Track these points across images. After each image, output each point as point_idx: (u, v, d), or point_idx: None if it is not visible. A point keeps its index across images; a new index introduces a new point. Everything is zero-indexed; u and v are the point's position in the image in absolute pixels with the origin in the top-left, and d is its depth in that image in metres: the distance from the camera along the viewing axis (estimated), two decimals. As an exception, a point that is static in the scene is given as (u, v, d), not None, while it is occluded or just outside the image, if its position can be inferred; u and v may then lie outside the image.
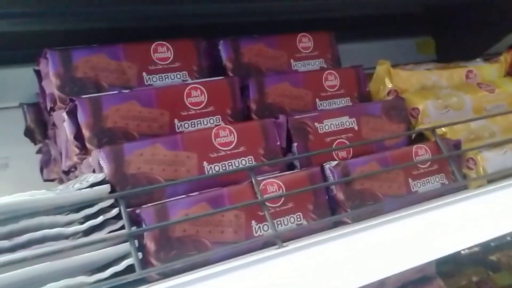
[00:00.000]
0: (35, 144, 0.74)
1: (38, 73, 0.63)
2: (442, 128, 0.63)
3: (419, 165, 0.58)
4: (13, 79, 0.74)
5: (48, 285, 0.39)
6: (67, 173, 0.63)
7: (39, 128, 0.72)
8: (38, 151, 0.73)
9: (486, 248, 0.90)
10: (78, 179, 0.54)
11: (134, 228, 0.44)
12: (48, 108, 0.60)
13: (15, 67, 0.74)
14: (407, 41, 1.06)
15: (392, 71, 0.69)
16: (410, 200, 0.56)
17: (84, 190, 0.45)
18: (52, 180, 0.72)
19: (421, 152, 0.59)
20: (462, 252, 0.89)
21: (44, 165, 0.73)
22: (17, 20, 0.67)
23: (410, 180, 0.57)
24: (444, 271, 0.79)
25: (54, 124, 0.61)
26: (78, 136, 0.53)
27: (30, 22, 0.68)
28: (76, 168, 0.59)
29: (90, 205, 0.45)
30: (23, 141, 0.73)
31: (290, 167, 0.57)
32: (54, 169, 0.71)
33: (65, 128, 0.55)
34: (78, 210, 0.44)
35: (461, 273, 0.83)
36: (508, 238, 0.93)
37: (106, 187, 0.46)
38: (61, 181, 0.70)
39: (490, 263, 0.87)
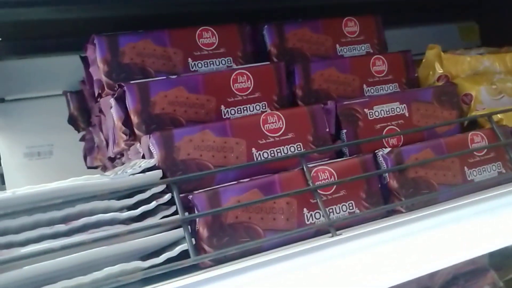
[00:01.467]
0: (78, 131, 0.75)
1: (84, 59, 0.63)
2: (498, 115, 0.60)
3: (475, 152, 0.56)
4: (56, 67, 0.75)
5: (104, 269, 0.39)
6: (112, 159, 0.64)
7: (82, 116, 0.73)
8: (81, 139, 0.74)
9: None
10: (126, 165, 0.54)
11: (187, 214, 0.43)
12: (96, 94, 0.60)
13: (58, 55, 0.75)
14: (450, 27, 1.02)
15: (443, 55, 0.66)
16: (466, 189, 0.54)
17: (137, 175, 0.44)
18: (95, 168, 0.73)
19: (477, 139, 0.57)
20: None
21: (88, 152, 0.74)
22: (59, 7, 0.68)
23: (466, 168, 0.55)
24: (492, 263, 0.76)
25: (100, 111, 0.62)
26: (126, 122, 0.53)
27: (73, 10, 0.68)
28: (122, 154, 0.59)
29: (143, 190, 0.44)
30: (66, 128, 0.74)
31: (339, 154, 0.55)
32: (97, 156, 0.72)
33: (113, 114, 0.55)
34: (131, 195, 0.44)
35: (510, 266, 0.80)
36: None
37: (158, 173, 0.46)
38: (104, 168, 0.71)
39: (542, 256, 0.83)
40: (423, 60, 0.68)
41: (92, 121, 0.70)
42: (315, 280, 0.41)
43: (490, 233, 0.50)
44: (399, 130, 0.57)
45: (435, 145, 0.55)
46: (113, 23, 0.67)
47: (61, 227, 0.41)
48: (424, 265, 0.46)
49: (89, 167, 0.74)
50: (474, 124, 0.62)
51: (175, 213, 0.44)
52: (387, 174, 0.52)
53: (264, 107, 0.56)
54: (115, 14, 0.68)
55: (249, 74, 0.56)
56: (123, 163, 0.59)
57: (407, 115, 0.59)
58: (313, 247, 0.43)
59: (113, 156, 0.61)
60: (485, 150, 0.56)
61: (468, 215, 0.50)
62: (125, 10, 0.66)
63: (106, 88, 0.56)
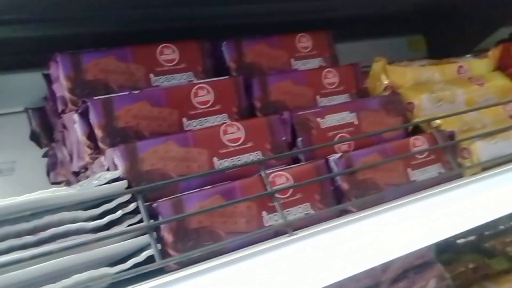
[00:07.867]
0: (41, 148, 0.75)
1: (47, 76, 0.64)
2: (437, 120, 0.66)
3: (417, 155, 0.61)
4: (17, 84, 0.75)
5: (73, 276, 0.41)
6: (77, 174, 0.65)
7: (45, 132, 0.73)
8: (44, 155, 0.75)
9: (481, 236, 0.94)
10: (91, 178, 0.56)
11: (152, 221, 0.46)
12: (59, 111, 0.61)
13: (19, 72, 0.76)
14: (399, 40, 1.10)
15: (388, 67, 0.72)
16: (409, 188, 0.59)
17: (103, 186, 0.46)
18: (59, 183, 0.73)
19: (419, 143, 0.62)
20: (458, 241, 0.92)
21: (51, 168, 0.74)
22: (21, 26, 0.68)
23: (409, 169, 0.60)
24: (442, 260, 0.82)
25: (64, 126, 0.63)
26: (91, 136, 0.55)
27: (34, 28, 0.70)
28: (87, 168, 0.61)
29: (109, 200, 0.46)
30: (29, 145, 0.74)
31: (295, 160, 0.59)
32: (61, 172, 0.72)
33: (77, 129, 0.57)
34: (97, 205, 0.46)
35: (459, 260, 0.87)
36: (501, 226, 0.96)
37: (124, 183, 0.48)
38: (68, 184, 0.71)
39: (486, 250, 0.91)
40: (371, 72, 0.73)
41: (55, 137, 0.71)
42: (274, 276, 0.45)
43: (432, 227, 0.55)
44: (349, 137, 0.62)
45: (381, 149, 0.60)
46: (74, 41, 0.68)
47: (30, 238, 0.42)
48: (373, 258, 0.51)
49: (52, 183, 0.74)
50: (417, 130, 0.68)
51: (141, 221, 0.46)
52: (338, 177, 0.56)
53: (224, 119, 0.60)
54: (76, 31, 0.69)
55: (209, 87, 0.59)
56: (87, 177, 0.60)
57: (356, 123, 0.63)
58: (271, 246, 0.46)
59: (77, 171, 0.62)
60: (426, 153, 0.62)
61: (412, 212, 0.55)
62: (86, 28, 0.68)
63: (69, 104, 0.58)
